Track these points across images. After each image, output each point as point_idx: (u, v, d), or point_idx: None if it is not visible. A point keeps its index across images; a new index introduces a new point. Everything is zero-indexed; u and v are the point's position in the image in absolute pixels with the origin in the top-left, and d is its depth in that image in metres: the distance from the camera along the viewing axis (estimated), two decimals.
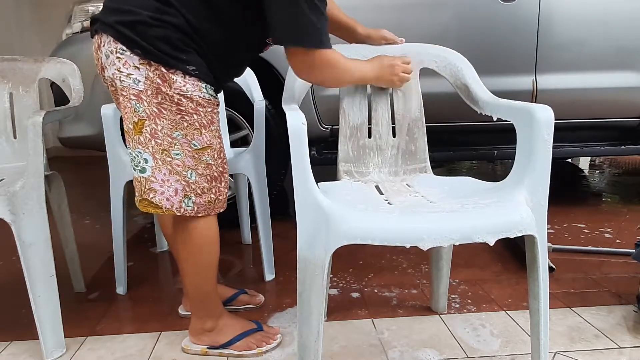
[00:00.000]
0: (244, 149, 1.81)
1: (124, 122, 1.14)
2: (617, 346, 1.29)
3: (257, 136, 1.68)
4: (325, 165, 2.09)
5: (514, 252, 1.93)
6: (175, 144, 1.12)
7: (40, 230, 1.24)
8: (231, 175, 2.16)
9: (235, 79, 1.73)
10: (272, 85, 1.99)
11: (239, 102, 2.01)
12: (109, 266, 1.82)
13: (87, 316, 1.50)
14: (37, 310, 1.24)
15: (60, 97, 1.77)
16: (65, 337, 1.31)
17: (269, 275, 1.74)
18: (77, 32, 2.11)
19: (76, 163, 4.09)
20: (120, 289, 1.65)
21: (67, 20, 2.17)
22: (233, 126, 2.11)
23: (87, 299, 1.63)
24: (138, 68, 1.07)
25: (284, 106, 1.14)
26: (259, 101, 1.70)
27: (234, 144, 2.07)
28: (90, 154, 3.74)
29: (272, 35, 1.11)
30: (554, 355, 1.25)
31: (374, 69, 1.28)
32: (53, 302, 1.27)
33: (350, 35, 1.39)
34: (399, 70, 1.30)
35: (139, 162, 1.13)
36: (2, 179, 1.36)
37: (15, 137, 1.57)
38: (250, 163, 1.65)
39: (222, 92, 1.87)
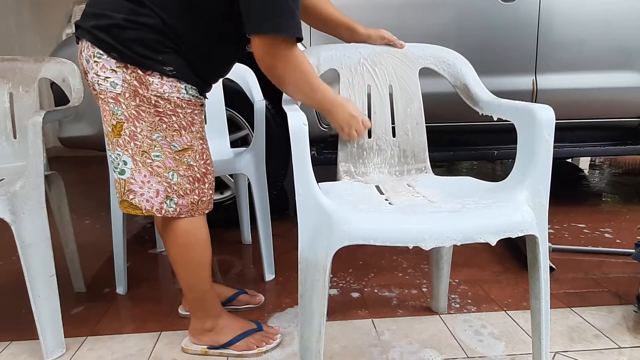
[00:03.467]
0: (244, 149, 1.81)
1: (103, 125, 1.14)
2: (617, 346, 1.29)
3: (257, 136, 1.68)
4: (325, 165, 2.09)
5: (514, 252, 1.93)
6: (155, 146, 1.11)
7: (40, 230, 1.24)
8: (231, 175, 2.17)
9: (236, 79, 1.75)
10: (272, 85, 1.98)
11: (239, 102, 2.01)
12: (109, 266, 1.82)
13: (87, 316, 1.50)
14: (37, 310, 1.24)
15: (60, 97, 1.77)
16: (65, 337, 1.31)
17: (269, 275, 1.74)
18: None
19: (76, 163, 4.09)
20: (120, 289, 1.65)
21: (67, 20, 2.17)
22: (233, 126, 2.11)
23: (87, 299, 1.62)
24: (115, 71, 1.07)
25: (284, 106, 1.14)
26: (259, 101, 1.70)
27: (234, 144, 2.07)
28: (90, 154, 3.75)
29: (245, 22, 1.06)
30: (554, 355, 1.25)
31: (335, 103, 1.21)
32: (53, 302, 1.27)
33: (350, 35, 1.38)
34: (355, 124, 1.24)
35: (118, 164, 1.13)
36: (2, 179, 1.36)
37: (15, 137, 1.57)
38: (250, 163, 1.65)
39: (222, 92, 1.88)
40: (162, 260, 1.97)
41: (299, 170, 0.98)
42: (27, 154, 1.24)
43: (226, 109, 1.95)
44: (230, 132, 2.01)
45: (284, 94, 1.24)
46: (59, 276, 1.28)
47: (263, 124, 1.67)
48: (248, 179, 1.74)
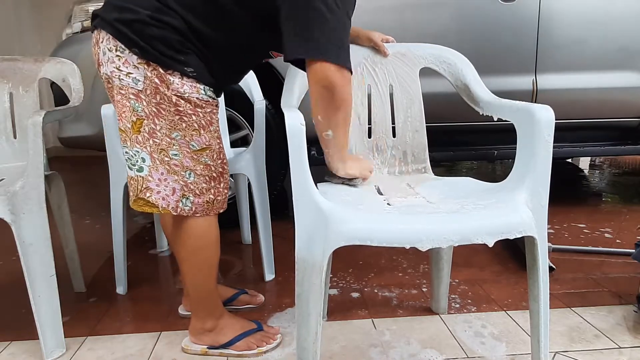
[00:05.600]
0: (244, 149, 1.81)
1: (119, 121, 1.13)
2: (617, 346, 1.29)
3: (257, 136, 1.68)
4: (325, 165, 2.08)
5: (513, 252, 1.93)
6: (173, 144, 1.12)
7: (40, 230, 1.24)
8: (231, 175, 2.17)
9: None
10: (272, 85, 1.99)
11: (239, 102, 2.01)
12: (109, 266, 1.82)
13: (87, 316, 1.50)
14: (37, 310, 1.24)
15: (60, 97, 1.77)
16: (65, 337, 1.31)
17: (269, 275, 1.74)
18: (77, 32, 2.11)
19: (76, 163, 4.09)
20: (120, 289, 1.65)
21: (67, 20, 2.17)
22: (233, 126, 2.11)
23: (87, 299, 1.63)
24: (137, 67, 1.07)
25: (283, 107, 1.14)
26: (259, 101, 1.70)
27: (234, 144, 2.07)
28: (90, 154, 3.75)
29: (313, 47, 1.03)
30: (554, 355, 1.25)
31: (348, 156, 1.24)
32: (53, 302, 1.27)
33: None
34: (365, 168, 1.27)
35: (136, 161, 1.13)
36: (2, 179, 1.36)
37: (15, 137, 1.57)
38: (250, 163, 1.65)
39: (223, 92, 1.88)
40: (162, 260, 1.97)
41: (296, 170, 0.98)
42: (27, 154, 1.24)
43: (226, 109, 1.96)
44: (230, 132, 2.01)
45: (283, 94, 1.23)
46: (59, 276, 1.28)
47: (263, 124, 1.67)
48: (248, 179, 1.74)
